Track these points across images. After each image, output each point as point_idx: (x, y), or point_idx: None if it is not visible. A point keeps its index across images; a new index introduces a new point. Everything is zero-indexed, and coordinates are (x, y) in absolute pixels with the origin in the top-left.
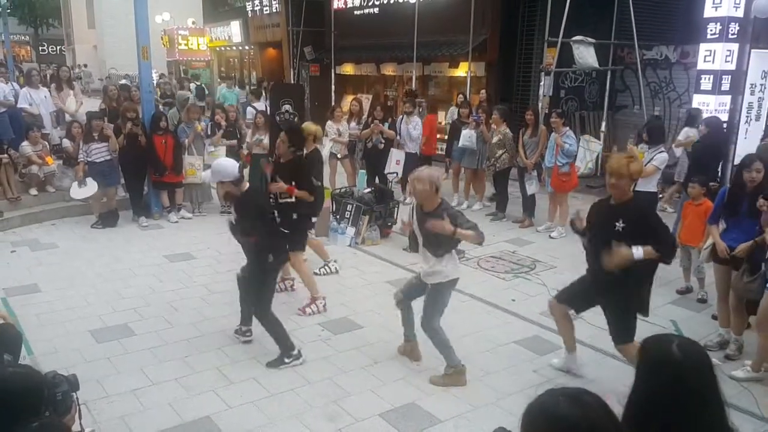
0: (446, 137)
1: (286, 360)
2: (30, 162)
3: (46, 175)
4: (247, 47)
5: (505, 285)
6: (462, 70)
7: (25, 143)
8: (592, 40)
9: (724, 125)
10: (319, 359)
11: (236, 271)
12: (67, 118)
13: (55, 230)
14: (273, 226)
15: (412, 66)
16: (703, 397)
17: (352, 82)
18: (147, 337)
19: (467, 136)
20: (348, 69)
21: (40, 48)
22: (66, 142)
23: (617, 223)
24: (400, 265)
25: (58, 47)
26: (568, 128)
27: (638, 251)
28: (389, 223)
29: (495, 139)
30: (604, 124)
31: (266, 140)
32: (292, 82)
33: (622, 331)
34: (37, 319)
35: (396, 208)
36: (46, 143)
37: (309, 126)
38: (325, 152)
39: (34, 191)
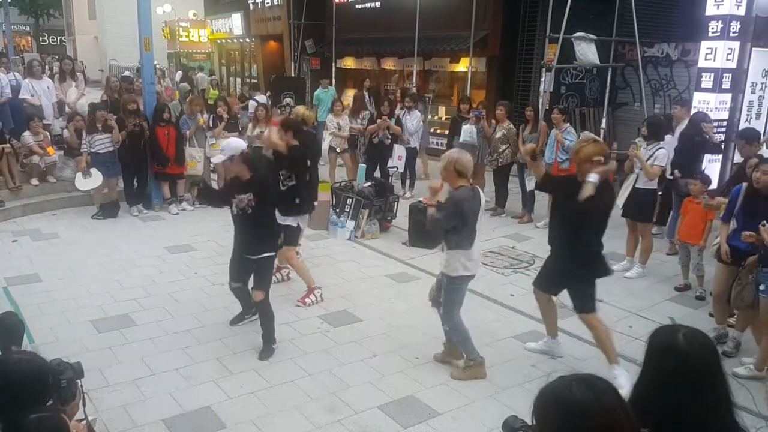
0: (446, 132)
1: (273, 347)
2: (31, 152)
3: (48, 165)
4: (248, 40)
5: (504, 280)
6: (463, 66)
7: (26, 133)
8: (594, 37)
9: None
10: (319, 351)
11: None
12: (67, 109)
13: (56, 220)
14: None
15: (412, 61)
16: (708, 384)
17: (352, 76)
18: (148, 328)
19: (468, 132)
20: (349, 63)
21: (41, 38)
22: (66, 133)
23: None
24: (399, 259)
25: (59, 38)
26: (568, 124)
27: (594, 177)
28: (389, 218)
29: (499, 134)
30: (604, 120)
31: (267, 133)
32: (293, 75)
33: (581, 300)
34: (38, 308)
35: (396, 203)
36: (48, 133)
37: (298, 109)
38: (324, 146)
39: (35, 181)
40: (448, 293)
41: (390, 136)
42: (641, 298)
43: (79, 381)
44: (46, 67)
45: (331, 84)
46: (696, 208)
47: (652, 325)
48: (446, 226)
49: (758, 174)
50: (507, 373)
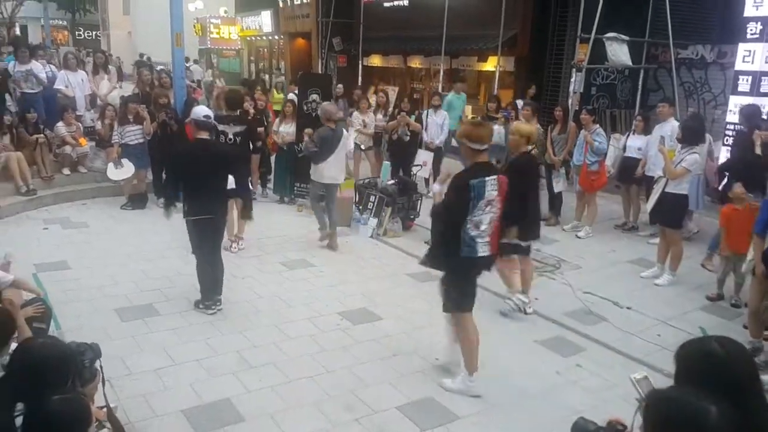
0: None
1: (200, 306)
2: (64, 142)
3: (79, 155)
4: (276, 37)
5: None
6: (491, 65)
7: (60, 124)
8: (626, 37)
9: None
10: (338, 349)
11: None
12: (99, 101)
13: (86, 210)
14: None
15: (439, 59)
16: (745, 387)
17: (378, 74)
18: (171, 318)
19: (496, 132)
20: (375, 61)
21: (77, 33)
22: (98, 125)
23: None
24: (419, 258)
25: (94, 32)
26: (598, 126)
27: (437, 188)
28: (412, 216)
29: None
30: (635, 123)
31: (292, 129)
32: (320, 72)
33: (444, 298)
34: (65, 295)
35: (419, 201)
36: (80, 125)
37: (324, 106)
38: (349, 144)
39: (66, 171)
40: None
41: (409, 133)
42: (671, 306)
43: (98, 361)
44: (84, 59)
45: (462, 89)
46: (741, 215)
47: (681, 335)
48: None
49: None
50: (530, 380)
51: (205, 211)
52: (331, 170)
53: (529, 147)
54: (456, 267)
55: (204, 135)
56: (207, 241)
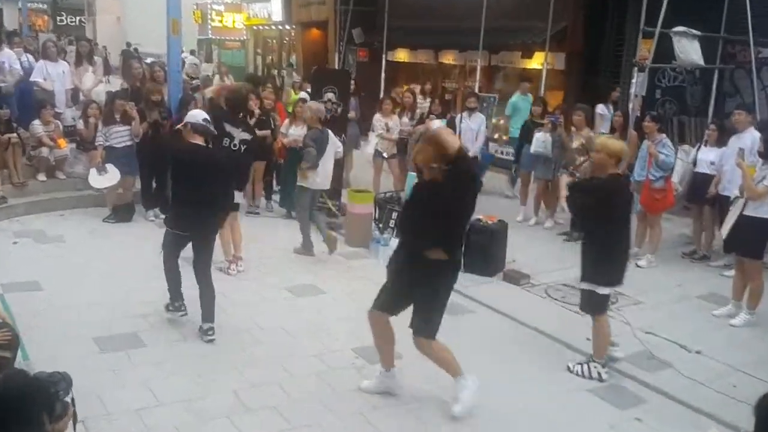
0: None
1: (170, 308)
2: (40, 143)
3: (57, 159)
4: (287, 27)
5: (579, 320)
6: (536, 62)
7: (36, 122)
8: (698, 33)
9: None
10: (350, 390)
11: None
12: (82, 96)
13: (63, 221)
14: None
15: (476, 55)
16: None
17: (405, 71)
18: (157, 350)
19: (541, 140)
20: (401, 55)
21: (58, 18)
22: (80, 124)
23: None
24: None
25: (78, 18)
26: (664, 135)
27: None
28: None
29: (576, 144)
30: (707, 133)
31: (303, 132)
32: (337, 67)
33: (424, 322)
34: (35, 320)
35: None
36: (59, 123)
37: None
38: (369, 149)
39: (42, 176)
40: None
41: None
42: (749, 351)
43: (71, 392)
44: (66, 48)
45: (528, 90)
46: None
47: (760, 386)
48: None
49: None
50: None
51: (186, 226)
52: (320, 176)
53: (580, 158)
54: None
55: (199, 140)
56: (173, 251)
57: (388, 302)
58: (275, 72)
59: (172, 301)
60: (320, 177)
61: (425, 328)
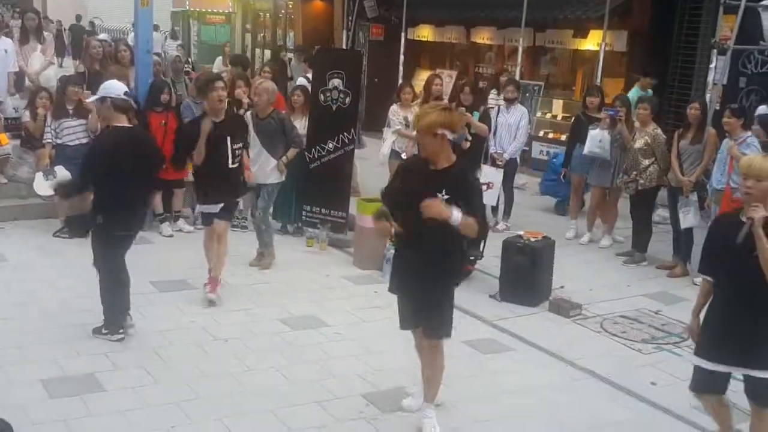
0: (563, 137)
1: (104, 330)
2: None
3: None
4: None
5: (643, 360)
6: (592, 42)
7: None
8: None
9: None
10: None
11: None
12: (28, 82)
13: (3, 237)
14: None
15: (518, 33)
16: None
17: (429, 52)
18: (120, 395)
19: (596, 139)
20: (424, 33)
21: None
22: (26, 116)
23: (439, 194)
24: (484, 320)
25: None
26: (750, 133)
27: (457, 215)
28: (471, 257)
29: (639, 144)
30: None
31: (303, 126)
32: (345, 47)
33: (444, 324)
34: None
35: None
36: (0, 116)
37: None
38: (384, 149)
39: None
40: None
41: (470, 138)
42: None
43: None
44: (9, 22)
45: (650, 85)
46: None
47: None
48: None
49: None
50: None
51: (128, 226)
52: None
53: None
54: None
55: (123, 121)
56: (121, 256)
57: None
58: (283, 55)
59: (120, 321)
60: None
61: (444, 327)
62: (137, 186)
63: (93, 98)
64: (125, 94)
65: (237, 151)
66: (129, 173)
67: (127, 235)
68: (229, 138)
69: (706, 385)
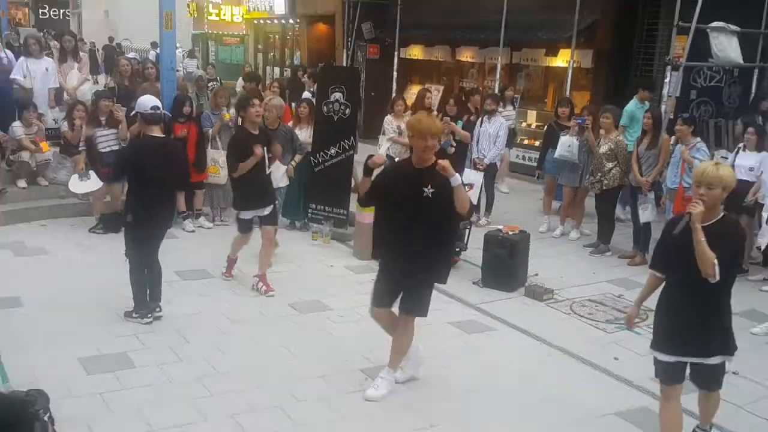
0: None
1: (134, 314)
2: (21, 147)
3: (39, 164)
4: (291, 21)
5: (607, 338)
6: (562, 60)
7: (16, 124)
8: (736, 29)
9: None
10: (360, 418)
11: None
12: (66, 96)
13: (45, 232)
14: None
15: (497, 52)
16: None
17: (418, 69)
18: (149, 372)
19: (566, 145)
20: (415, 52)
21: (40, 11)
22: (64, 126)
23: (425, 189)
24: (468, 303)
25: (61, 11)
26: (699, 139)
27: (458, 178)
28: (457, 249)
29: (604, 149)
30: (746, 137)
31: (308, 135)
32: (345, 65)
33: (423, 303)
34: (15, 339)
35: (467, 231)
36: (42, 126)
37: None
38: (380, 153)
39: (22, 183)
40: None
41: (455, 144)
42: None
43: (48, 412)
44: (50, 44)
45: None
46: None
47: None
48: None
49: None
50: None
51: (154, 225)
52: None
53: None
54: None
55: (155, 132)
56: (151, 250)
57: (386, 296)
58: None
59: (149, 306)
60: None
61: (420, 309)
62: (164, 190)
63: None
64: (152, 108)
65: (270, 160)
66: (157, 178)
67: (154, 234)
68: (264, 148)
69: (667, 376)
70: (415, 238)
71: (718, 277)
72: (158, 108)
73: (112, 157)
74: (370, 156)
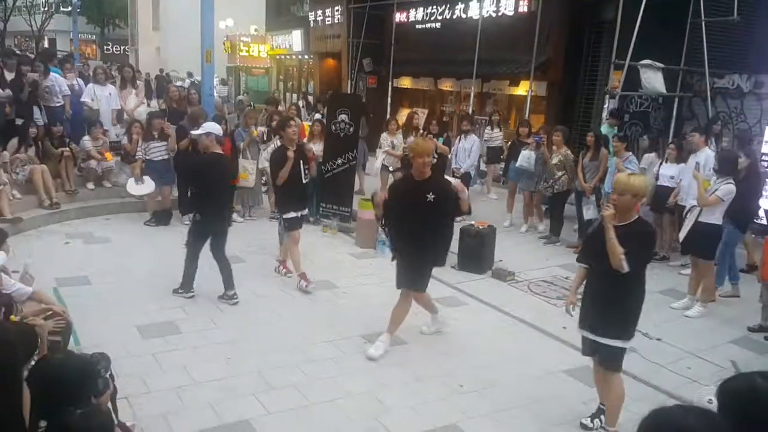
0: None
1: (180, 291)
2: (89, 157)
3: (104, 170)
4: (306, 56)
5: (557, 311)
6: (522, 89)
7: (86, 138)
8: (661, 65)
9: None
10: (360, 372)
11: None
12: (126, 116)
13: (109, 225)
14: None
15: (470, 82)
16: None
17: (408, 96)
18: (192, 336)
19: (526, 157)
20: (405, 82)
21: (105, 47)
22: (125, 140)
23: (428, 195)
24: (447, 283)
25: (122, 47)
26: (630, 153)
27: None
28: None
29: (555, 160)
30: (668, 151)
31: (320, 147)
32: (350, 92)
33: (420, 279)
34: (85, 310)
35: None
36: (107, 139)
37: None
38: (377, 164)
39: (91, 185)
40: None
41: (437, 156)
42: (701, 339)
43: (109, 370)
44: (113, 74)
45: (615, 123)
46: None
47: (711, 368)
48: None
49: None
50: (556, 408)
51: (216, 222)
52: None
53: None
54: None
55: (218, 149)
56: (221, 243)
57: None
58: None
59: (190, 286)
60: None
61: (418, 285)
62: (223, 194)
63: (198, 132)
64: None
65: (306, 171)
66: (218, 184)
67: (216, 231)
68: (301, 161)
69: (584, 348)
70: (425, 233)
71: (627, 269)
72: (221, 132)
73: (162, 164)
74: (375, 193)
